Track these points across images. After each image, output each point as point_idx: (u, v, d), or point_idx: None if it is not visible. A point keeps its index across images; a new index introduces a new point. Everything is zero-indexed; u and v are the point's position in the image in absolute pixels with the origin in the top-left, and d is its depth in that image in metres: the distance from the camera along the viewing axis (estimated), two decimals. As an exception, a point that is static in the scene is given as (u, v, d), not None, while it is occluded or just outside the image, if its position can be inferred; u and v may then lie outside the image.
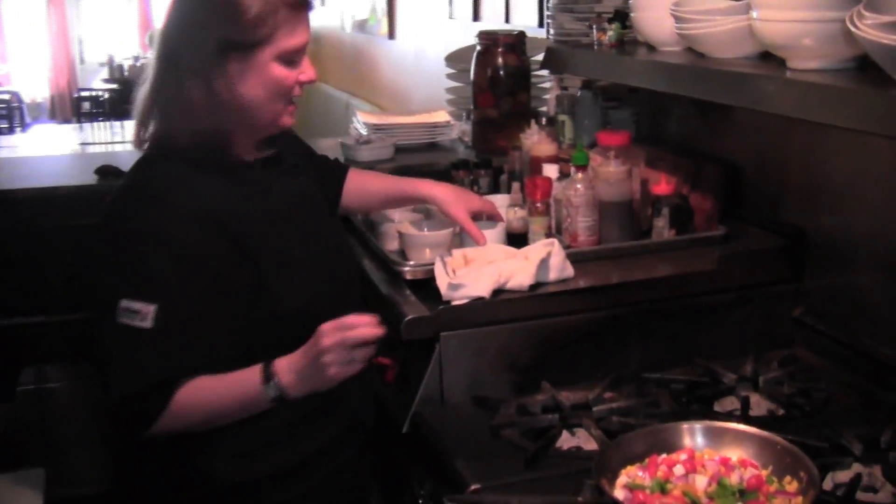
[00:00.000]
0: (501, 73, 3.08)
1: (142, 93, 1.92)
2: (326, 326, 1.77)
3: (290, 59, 1.87)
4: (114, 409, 1.81)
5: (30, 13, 14.13)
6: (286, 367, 1.80)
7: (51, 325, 3.42)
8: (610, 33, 2.61)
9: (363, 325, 1.77)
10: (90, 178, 3.74)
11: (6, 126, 11.39)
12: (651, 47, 2.46)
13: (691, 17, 2.14)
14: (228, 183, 1.90)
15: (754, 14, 1.86)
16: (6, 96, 12.08)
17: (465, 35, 4.81)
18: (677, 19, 2.19)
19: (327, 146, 4.33)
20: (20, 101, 12.73)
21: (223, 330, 1.83)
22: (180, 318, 1.78)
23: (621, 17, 2.64)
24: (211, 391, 1.82)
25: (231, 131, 1.90)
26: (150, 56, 1.93)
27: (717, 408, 2.04)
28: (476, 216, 2.31)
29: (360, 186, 2.40)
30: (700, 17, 2.12)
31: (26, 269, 3.29)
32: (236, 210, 1.87)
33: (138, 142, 1.94)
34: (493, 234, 2.42)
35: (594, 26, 2.69)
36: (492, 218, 2.39)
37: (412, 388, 2.14)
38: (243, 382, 1.82)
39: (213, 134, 1.87)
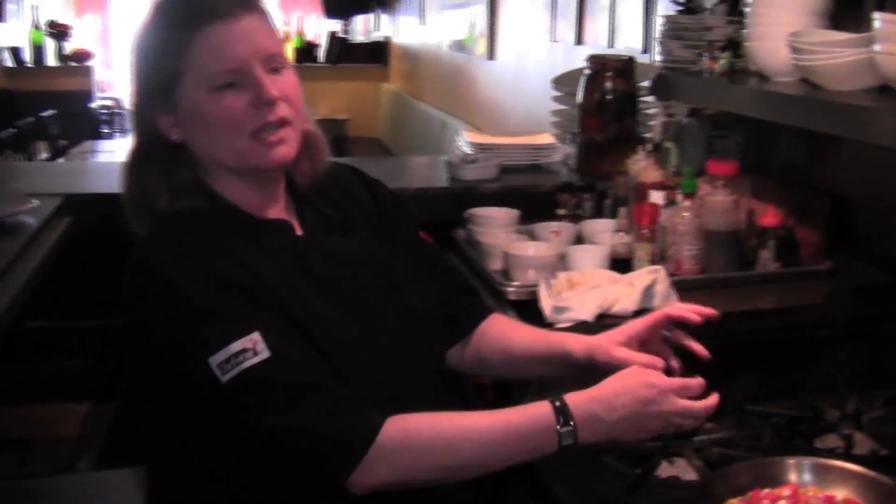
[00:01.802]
0: (609, 97, 3.07)
1: None
2: (664, 385, 1.59)
3: (219, 84, 1.57)
4: (302, 462, 1.49)
5: (134, 21, 14.43)
6: (584, 407, 1.55)
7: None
8: (722, 61, 2.60)
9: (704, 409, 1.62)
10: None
11: (108, 131, 11.61)
12: (763, 77, 2.44)
13: (810, 48, 2.12)
14: (250, 249, 1.62)
15: (876, 47, 1.84)
16: (109, 102, 12.32)
17: (567, 58, 4.82)
18: (794, 50, 2.17)
19: (422, 163, 4.38)
20: (121, 107, 12.98)
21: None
22: (289, 333, 1.54)
23: (734, 45, 2.62)
24: (465, 425, 1.56)
25: (195, 186, 1.66)
26: None
27: (818, 444, 2.00)
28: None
29: (503, 335, 1.91)
30: (819, 48, 2.10)
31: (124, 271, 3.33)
32: (263, 277, 1.58)
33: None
34: (597, 259, 2.41)
35: (705, 54, 2.68)
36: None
37: (511, 408, 2.14)
38: (523, 420, 1.56)
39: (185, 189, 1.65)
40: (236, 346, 1.47)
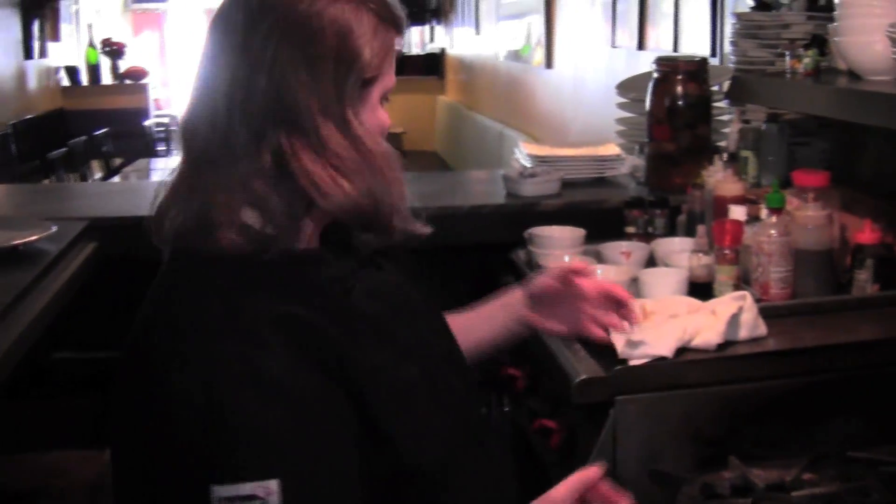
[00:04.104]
0: (680, 103, 2.83)
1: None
2: None
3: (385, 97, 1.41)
4: None
5: (190, 39, 14.46)
6: None
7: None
8: (806, 61, 2.38)
9: None
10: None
11: (164, 149, 11.55)
12: (854, 76, 2.21)
13: (914, 41, 1.89)
14: (296, 284, 1.28)
15: None
16: (165, 120, 12.27)
17: (629, 64, 4.63)
18: (895, 43, 1.94)
19: (479, 178, 4.16)
20: (178, 125, 12.96)
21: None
22: (314, 490, 1.20)
23: (819, 42, 2.39)
24: None
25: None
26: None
27: (935, 500, 1.75)
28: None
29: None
30: (926, 41, 1.87)
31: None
32: (317, 323, 1.25)
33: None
34: (673, 284, 2.17)
35: (788, 53, 2.45)
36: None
37: (579, 458, 1.89)
38: None
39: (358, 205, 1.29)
40: (247, 488, 1.15)
